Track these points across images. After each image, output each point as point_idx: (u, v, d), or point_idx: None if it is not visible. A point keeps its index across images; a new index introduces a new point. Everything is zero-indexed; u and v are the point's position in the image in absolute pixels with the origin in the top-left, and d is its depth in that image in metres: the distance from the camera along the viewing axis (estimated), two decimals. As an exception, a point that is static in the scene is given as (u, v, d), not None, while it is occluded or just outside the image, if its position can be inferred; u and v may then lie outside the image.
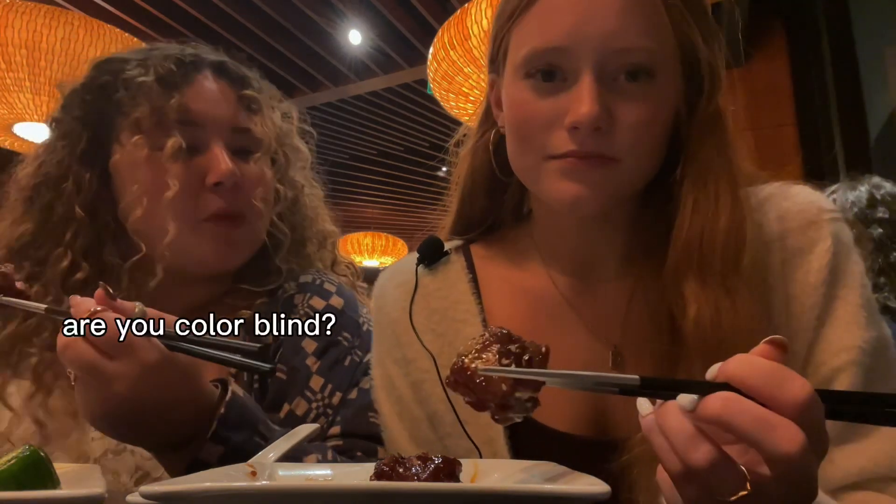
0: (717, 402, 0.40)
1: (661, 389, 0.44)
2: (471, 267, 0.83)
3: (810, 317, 0.66)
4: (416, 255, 0.85)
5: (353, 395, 0.89)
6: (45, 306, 0.68)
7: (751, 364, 0.41)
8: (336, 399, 0.88)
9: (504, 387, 0.46)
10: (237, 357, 0.60)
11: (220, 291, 0.97)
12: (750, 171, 0.72)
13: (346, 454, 0.82)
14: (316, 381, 0.88)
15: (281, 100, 1.05)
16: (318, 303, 0.94)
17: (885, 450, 0.61)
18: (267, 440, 0.69)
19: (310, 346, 0.90)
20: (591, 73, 0.64)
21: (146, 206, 0.87)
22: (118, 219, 0.91)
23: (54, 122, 0.94)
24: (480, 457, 0.72)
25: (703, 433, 0.41)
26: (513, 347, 0.47)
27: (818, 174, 3.73)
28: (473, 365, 0.48)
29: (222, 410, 0.67)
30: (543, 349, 0.49)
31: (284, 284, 0.97)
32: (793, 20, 4.21)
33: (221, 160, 0.88)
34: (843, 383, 0.63)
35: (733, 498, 0.40)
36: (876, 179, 1.70)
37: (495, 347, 0.47)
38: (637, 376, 0.43)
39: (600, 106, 0.63)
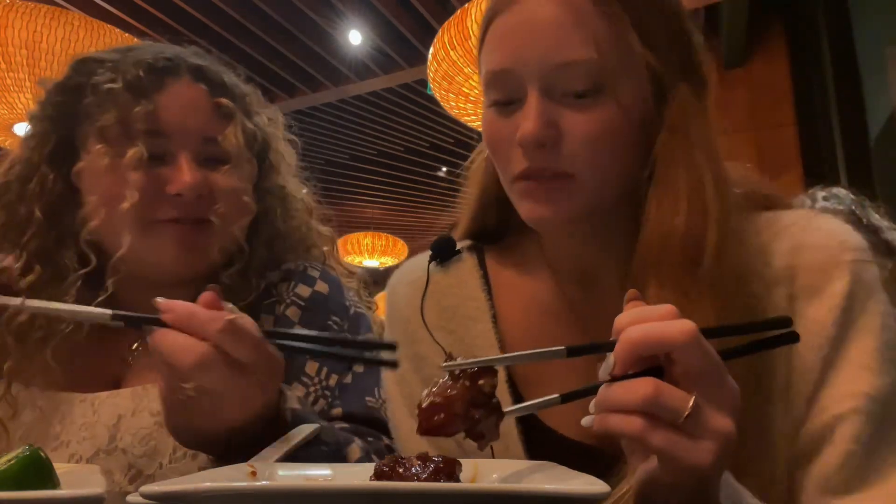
0: (616, 349, 0.48)
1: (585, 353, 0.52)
2: (482, 265, 0.84)
3: (816, 357, 0.63)
4: (428, 253, 0.86)
5: (349, 379, 0.90)
6: (111, 312, 0.61)
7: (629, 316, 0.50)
8: (332, 381, 0.88)
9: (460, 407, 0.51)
10: (365, 352, 0.64)
11: (190, 297, 0.95)
12: (734, 178, 0.71)
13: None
14: (311, 367, 0.88)
15: (265, 105, 1.02)
16: (303, 290, 0.94)
17: (886, 502, 0.59)
18: (329, 445, 0.70)
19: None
20: (536, 91, 0.66)
21: (103, 217, 0.85)
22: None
23: (31, 119, 0.93)
24: (493, 455, 0.72)
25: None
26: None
27: (818, 174, 3.74)
28: (429, 397, 0.52)
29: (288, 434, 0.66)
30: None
31: (267, 274, 0.96)
32: (793, 20, 4.21)
33: (185, 171, 0.85)
34: (845, 433, 0.60)
35: (687, 414, 0.45)
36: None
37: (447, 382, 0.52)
38: (564, 348, 0.52)
39: (542, 122, 0.65)
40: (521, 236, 0.85)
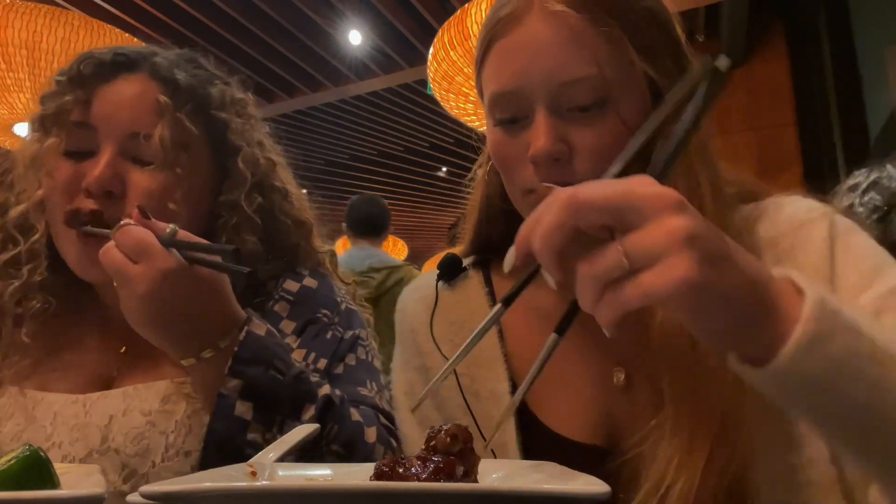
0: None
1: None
2: (488, 281, 0.86)
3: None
4: (436, 272, 0.88)
5: (340, 369, 0.89)
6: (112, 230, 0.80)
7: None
8: (321, 364, 0.87)
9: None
10: (217, 259, 0.72)
11: None
12: (727, 177, 0.73)
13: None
14: (298, 354, 0.87)
15: (255, 117, 0.99)
16: (291, 285, 0.93)
17: None
18: (284, 374, 0.75)
19: (288, 326, 0.90)
20: (545, 109, 0.68)
21: (28, 204, 0.87)
22: None
23: None
24: (494, 455, 0.74)
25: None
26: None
27: (818, 174, 3.74)
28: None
29: (236, 349, 0.73)
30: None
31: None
32: (793, 20, 4.21)
33: (96, 165, 0.83)
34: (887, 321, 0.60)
35: (626, 264, 0.43)
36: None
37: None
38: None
39: (554, 138, 0.67)
40: None
